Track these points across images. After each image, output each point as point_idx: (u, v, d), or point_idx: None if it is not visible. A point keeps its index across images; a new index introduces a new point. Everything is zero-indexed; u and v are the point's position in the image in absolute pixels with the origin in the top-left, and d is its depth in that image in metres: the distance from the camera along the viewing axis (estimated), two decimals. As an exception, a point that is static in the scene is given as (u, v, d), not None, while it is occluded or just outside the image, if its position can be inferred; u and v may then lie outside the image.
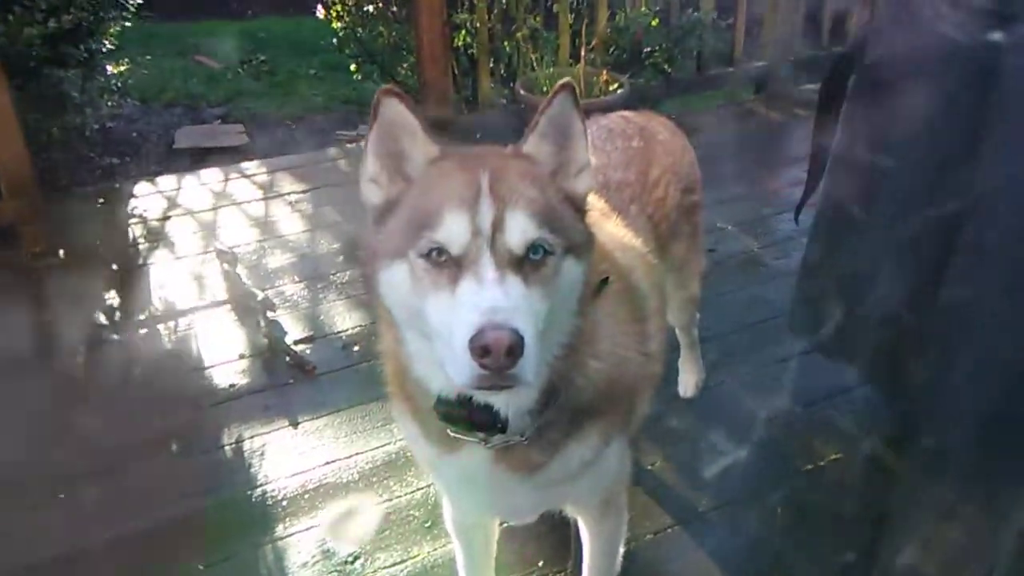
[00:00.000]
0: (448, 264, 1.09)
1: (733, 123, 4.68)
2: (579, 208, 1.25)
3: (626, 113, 2.10)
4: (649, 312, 1.57)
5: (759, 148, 4.45)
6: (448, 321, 1.07)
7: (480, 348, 1.00)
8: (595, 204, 1.58)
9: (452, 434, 1.26)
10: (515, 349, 1.00)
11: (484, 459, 1.30)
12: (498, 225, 1.09)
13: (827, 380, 2.56)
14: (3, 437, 2.42)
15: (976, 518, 1.43)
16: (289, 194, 3.89)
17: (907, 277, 1.86)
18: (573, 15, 4.36)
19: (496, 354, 1.00)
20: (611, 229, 1.62)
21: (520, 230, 1.09)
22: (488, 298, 1.04)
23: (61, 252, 3.32)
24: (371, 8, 4.38)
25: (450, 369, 1.07)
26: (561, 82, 1.18)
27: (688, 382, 2.55)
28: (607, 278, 1.33)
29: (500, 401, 1.22)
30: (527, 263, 1.10)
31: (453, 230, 1.09)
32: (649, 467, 2.29)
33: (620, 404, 1.43)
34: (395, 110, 1.17)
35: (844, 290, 2.13)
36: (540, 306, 1.10)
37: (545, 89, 3.96)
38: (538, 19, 4.13)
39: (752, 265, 3.33)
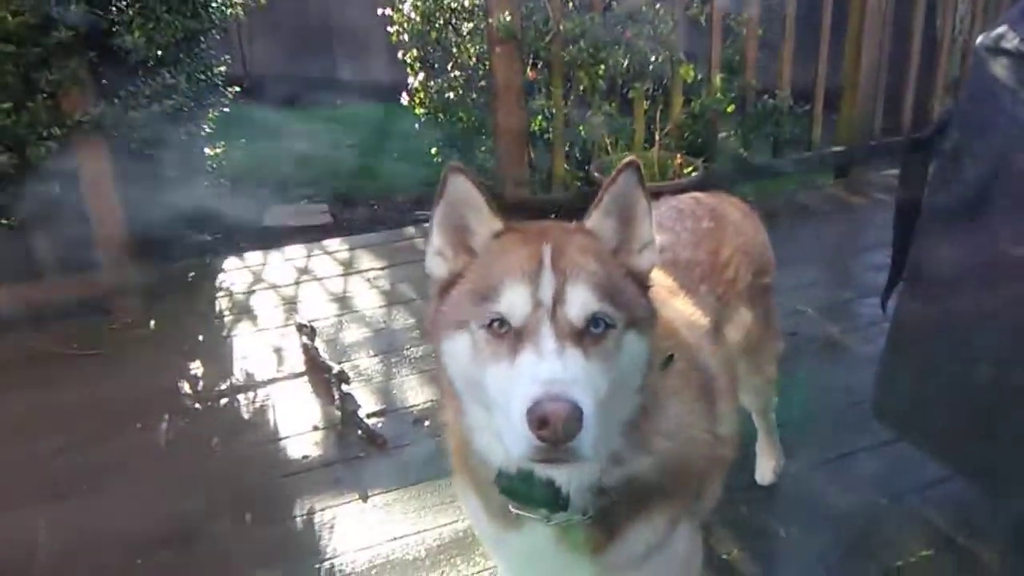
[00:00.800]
0: (509, 336, 1.11)
1: (812, 208, 4.63)
2: (642, 284, 1.26)
3: (697, 194, 2.10)
4: (718, 392, 1.53)
5: (839, 233, 4.39)
6: (507, 391, 1.08)
7: (538, 420, 1.00)
8: (662, 281, 1.57)
9: (513, 510, 1.25)
10: (574, 421, 1.00)
11: (546, 537, 1.29)
12: (559, 297, 1.11)
13: (914, 472, 2.43)
14: (86, 502, 2.49)
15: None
16: (368, 271, 4.01)
17: (996, 363, 1.78)
18: (649, 101, 4.44)
19: (554, 426, 1.00)
20: (678, 306, 1.61)
21: (580, 302, 1.11)
22: (547, 369, 1.05)
23: (151, 323, 3.48)
24: (451, 95, 4.55)
25: (508, 440, 1.07)
26: (626, 160, 1.21)
27: (766, 468, 2.46)
28: (672, 355, 1.33)
29: (561, 476, 1.21)
30: (587, 336, 1.11)
31: (514, 301, 1.11)
32: (724, 556, 2.20)
33: (687, 486, 1.39)
34: (461, 186, 1.21)
35: (931, 376, 2.05)
36: (601, 380, 1.10)
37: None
38: (614, 105, 4.21)
39: (833, 350, 3.24)
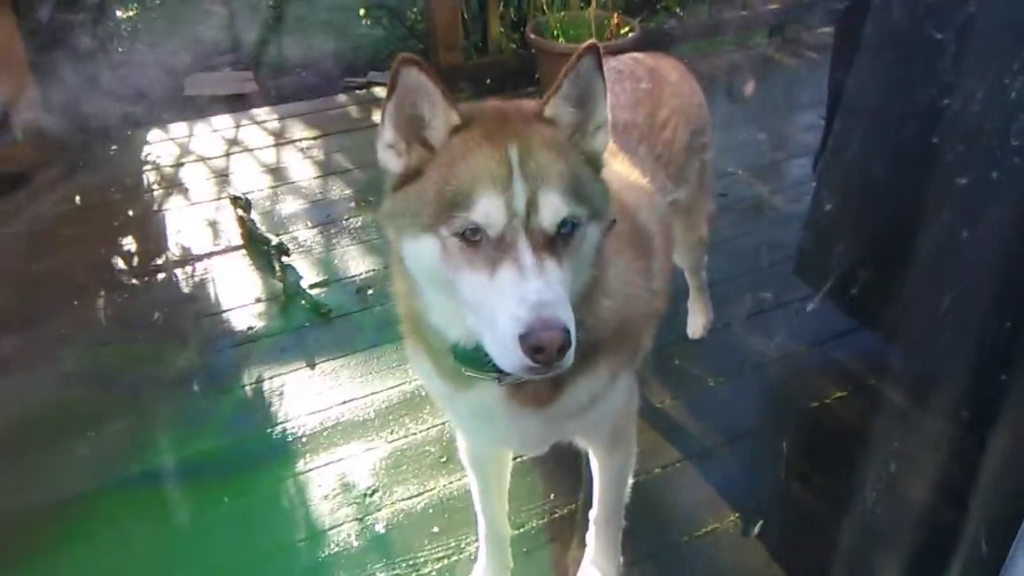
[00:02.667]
0: (483, 244, 1.11)
1: (746, 67, 4.63)
2: (596, 167, 1.27)
3: (636, 55, 2.10)
4: (655, 250, 1.60)
5: (771, 93, 4.42)
6: (487, 302, 1.11)
7: (533, 347, 1.05)
8: None
9: (466, 373, 1.30)
10: (567, 346, 1.06)
11: (497, 395, 1.35)
12: (532, 206, 1.11)
13: (831, 323, 2.59)
14: (32, 377, 2.49)
15: (960, 443, 1.49)
16: (300, 141, 3.90)
17: (906, 222, 1.88)
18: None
19: (549, 352, 1.05)
20: (618, 168, 1.64)
21: (553, 209, 1.12)
22: (533, 289, 1.07)
23: (77, 198, 3.36)
24: (380, -49, 4.32)
25: (495, 352, 1.11)
26: (586, 44, 1.19)
27: (697, 324, 2.60)
28: (614, 220, 1.35)
29: None
30: (559, 240, 1.13)
31: (490, 212, 1.11)
32: (658, 405, 2.35)
33: (627, 340, 1.47)
34: (415, 78, 1.16)
35: (847, 236, 2.15)
36: (571, 277, 1.16)
37: (556, 33, 3.93)
38: (549, -39, 4.07)
39: (762, 210, 3.35)
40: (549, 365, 1.07)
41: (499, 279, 1.09)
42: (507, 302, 1.08)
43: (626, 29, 3.99)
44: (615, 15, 4.01)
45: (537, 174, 1.13)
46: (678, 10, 4.45)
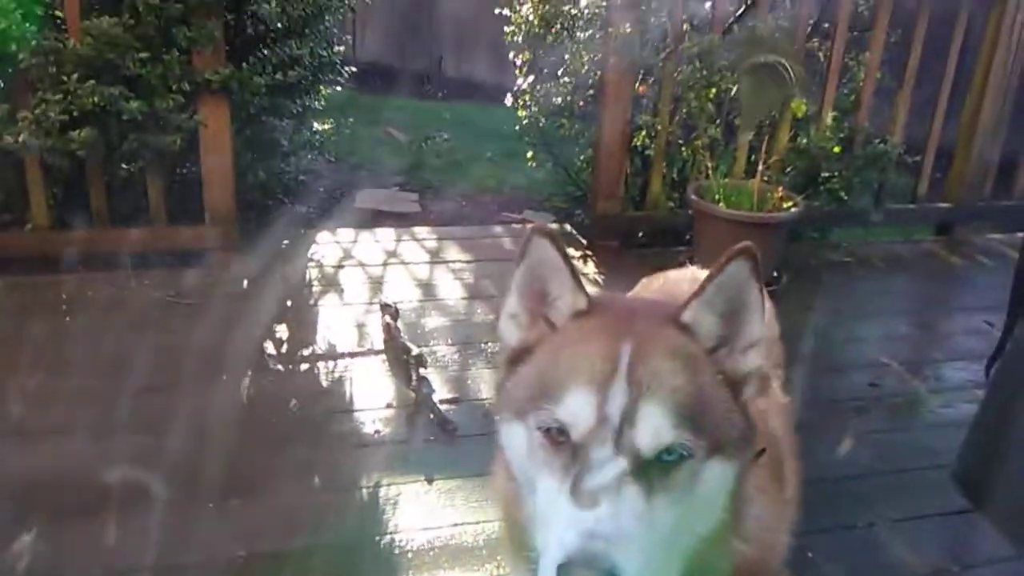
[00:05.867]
0: (566, 448, 0.97)
1: (908, 261, 4.51)
2: (739, 392, 1.07)
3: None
4: (783, 455, 1.38)
5: (934, 291, 4.26)
6: (550, 515, 0.97)
7: None
8: None
9: None
10: None
11: None
12: (629, 417, 0.95)
13: (986, 544, 2.35)
14: (165, 443, 2.59)
15: None
16: (453, 262, 4.07)
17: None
18: (754, 131, 4.39)
19: None
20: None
21: (653, 430, 0.95)
22: (591, 516, 0.90)
23: (245, 282, 3.60)
24: (559, 100, 4.58)
25: (541, 571, 0.95)
26: (739, 246, 1.01)
27: None
28: (764, 450, 1.16)
29: None
30: (657, 466, 0.96)
31: (576, 412, 0.97)
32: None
33: None
34: (546, 252, 1.07)
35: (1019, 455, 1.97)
36: (667, 517, 0.96)
37: (717, 198, 3.98)
38: (719, 130, 4.18)
39: (915, 408, 3.14)
40: None
41: (564, 491, 0.94)
42: (560, 522, 0.92)
43: (788, 204, 3.99)
44: (779, 188, 4.03)
45: (645, 382, 0.96)
46: (843, 194, 4.42)
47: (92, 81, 3.13)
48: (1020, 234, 4.42)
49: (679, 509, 0.97)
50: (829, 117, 4.37)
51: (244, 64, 3.43)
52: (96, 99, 3.12)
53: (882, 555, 2.36)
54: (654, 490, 0.94)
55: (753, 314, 1.05)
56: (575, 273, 1.08)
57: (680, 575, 1.06)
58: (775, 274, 4.05)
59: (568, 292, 1.08)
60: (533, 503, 1.06)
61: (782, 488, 1.31)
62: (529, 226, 1.14)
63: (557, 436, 0.98)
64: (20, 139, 3.12)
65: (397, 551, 2.23)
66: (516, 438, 1.04)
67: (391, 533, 2.29)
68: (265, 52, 3.52)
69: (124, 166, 3.35)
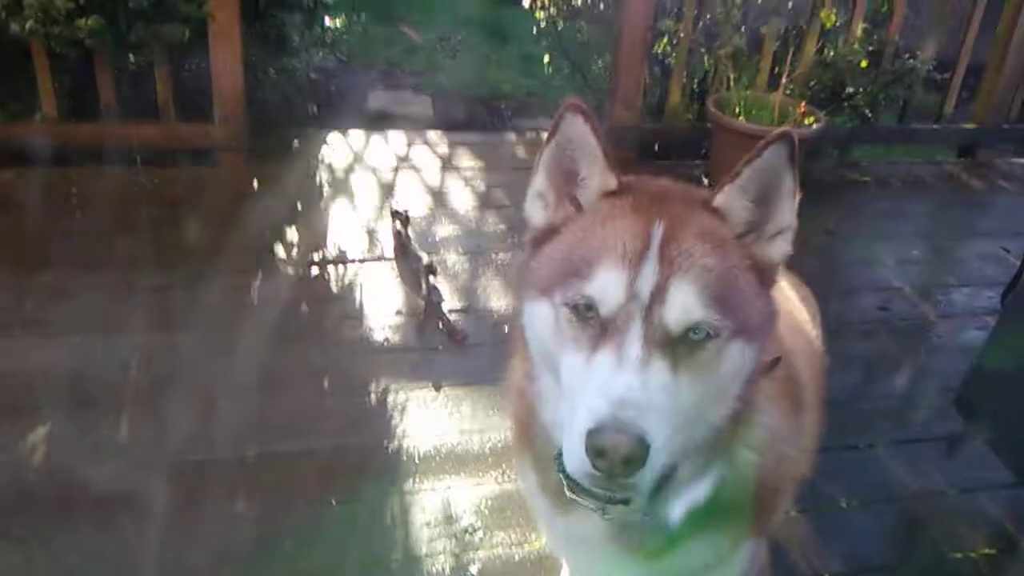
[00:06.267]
0: (594, 323, 0.98)
1: (929, 183, 4.43)
2: (766, 279, 1.08)
3: None
4: (808, 403, 1.37)
5: (953, 215, 4.19)
6: (578, 389, 0.97)
7: (595, 448, 0.90)
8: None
9: (569, 494, 1.08)
10: (635, 459, 0.90)
11: (599, 530, 1.17)
12: (659, 294, 0.96)
13: (987, 470, 2.39)
14: (180, 338, 2.62)
15: None
16: (465, 169, 4.00)
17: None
18: (779, 41, 4.23)
19: (611, 459, 0.90)
20: (784, 300, 1.42)
21: (682, 307, 0.96)
22: (622, 384, 0.92)
23: (255, 182, 3.56)
24: (579, 2, 4.41)
25: (565, 451, 0.98)
26: (779, 130, 1.03)
27: None
28: (779, 358, 1.17)
29: None
30: (683, 344, 0.97)
31: (607, 288, 0.97)
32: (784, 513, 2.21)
33: (765, 506, 1.25)
34: (579, 128, 1.06)
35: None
36: (688, 394, 0.97)
37: (738, 111, 3.88)
38: (743, 39, 4.03)
39: (923, 333, 3.14)
40: (612, 478, 0.91)
41: (594, 363, 0.95)
42: (591, 390, 0.94)
43: (811, 119, 3.88)
44: (802, 103, 3.92)
45: (677, 261, 0.97)
46: (867, 111, 4.29)
47: (97, -32, 3.01)
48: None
49: (701, 387, 0.98)
50: (859, 28, 4.20)
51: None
52: (102, -14, 3.01)
53: (881, 475, 2.40)
54: (680, 366, 0.96)
55: (785, 200, 1.06)
56: (608, 152, 1.07)
57: (696, 468, 1.09)
58: (792, 192, 3.98)
59: (599, 172, 1.08)
60: (551, 386, 1.07)
61: (798, 408, 1.31)
62: (566, 100, 1.06)
63: (585, 312, 0.98)
64: (27, 26, 3.03)
65: (404, 456, 2.28)
66: (540, 316, 1.04)
67: (399, 438, 2.34)
68: (276, -59, 3.37)
69: (132, 59, 3.24)
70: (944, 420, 2.53)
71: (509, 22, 6.50)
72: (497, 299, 3.01)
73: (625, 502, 1.06)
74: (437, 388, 2.54)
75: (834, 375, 2.77)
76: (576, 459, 0.93)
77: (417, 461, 2.27)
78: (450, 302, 2.94)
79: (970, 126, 4.64)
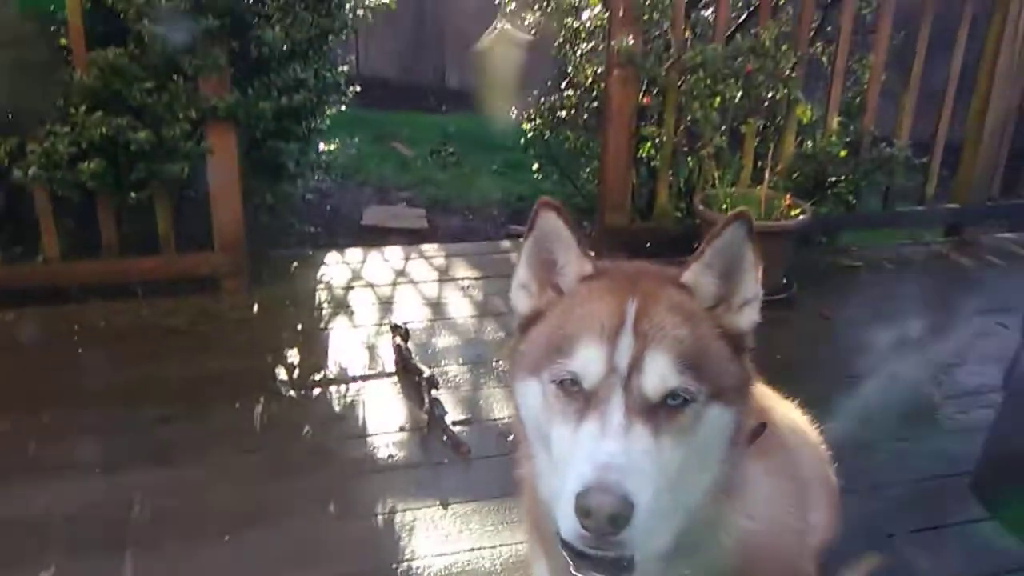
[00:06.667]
0: (579, 397, 1.06)
1: (920, 264, 4.48)
2: (738, 347, 1.17)
3: None
4: (811, 498, 1.43)
5: (947, 294, 4.23)
6: (567, 458, 1.04)
7: (582, 509, 0.97)
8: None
9: (573, 572, 1.11)
10: (619, 518, 0.96)
11: None
12: (636, 365, 1.05)
13: (1006, 553, 2.33)
14: (181, 472, 2.60)
15: None
16: (462, 279, 4.06)
17: None
18: (759, 138, 4.38)
19: (596, 518, 0.96)
20: (784, 406, 1.52)
21: (659, 375, 1.05)
22: (605, 451, 0.99)
23: (255, 307, 3.61)
24: (563, 114, 4.59)
25: (558, 514, 1.03)
26: (735, 211, 1.14)
27: None
28: (764, 425, 1.25)
29: None
30: (662, 410, 1.05)
31: (588, 362, 1.06)
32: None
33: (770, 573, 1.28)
34: (552, 222, 1.18)
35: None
36: (671, 457, 1.04)
37: (724, 207, 3.97)
38: (724, 139, 4.17)
39: (931, 415, 3.12)
40: (601, 537, 0.97)
41: (580, 433, 1.03)
42: (578, 459, 1.01)
43: (796, 211, 3.97)
44: (786, 196, 4.02)
45: (650, 334, 1.07)
46: (851, 198, 4.40)
47: (99, 112, 3.14)
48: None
49: (684, 450, 1.06)
50: (835, 121, 4.35)
51: (249, 89, 3.44)
52: (104, 130, 3.13)
53: (902, 566, 2.33)
54: (661, 430, 1.03)
55: (748, 273, 1.16)
56: (581, 241, 1.19)
57: (684, 527, 1.14)
58: (784, 281, 4.03)
59: (575, 259, 1.19)
60: (543, 457, 1.14)
61: (793, 481, 1.36)
62: (539, 200, 1.19)
63: (570, 387, 1.07)
64: (30, 172, 3.13)
65: (414, 579, 2.22)
66: (531, 394, 1.13)
67: (408, 560, 2.28)
68: (270, 76, 3.52)
69: (133, 195, 3.34)
70: (961, 505, 2.48)
71: (496, 134, 6.73)
72: (500, 408, 2.99)
73: (629, 570, 1.09)
74: (445, 505, 2.50)
75: (847, 463, 2.75)
76: (568, 521, 1.00)
77: (428, 584, 2.21)
78: (453, 414, 2.93)
79: (954, 205, 4.74)
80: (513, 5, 4.62)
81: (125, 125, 3.16)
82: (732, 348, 1.15)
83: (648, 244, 4.45)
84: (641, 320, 1.07)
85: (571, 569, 1.12)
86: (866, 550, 2.35)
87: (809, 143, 4.32)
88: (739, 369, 1.15)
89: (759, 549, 1.22)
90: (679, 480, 1.06)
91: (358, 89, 4.47)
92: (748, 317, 1.18)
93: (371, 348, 3.37)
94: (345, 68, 4.42)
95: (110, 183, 3.29)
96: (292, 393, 3.04)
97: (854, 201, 4.42)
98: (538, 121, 4.79)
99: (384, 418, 2.92)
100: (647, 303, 1.10)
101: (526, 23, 4.60)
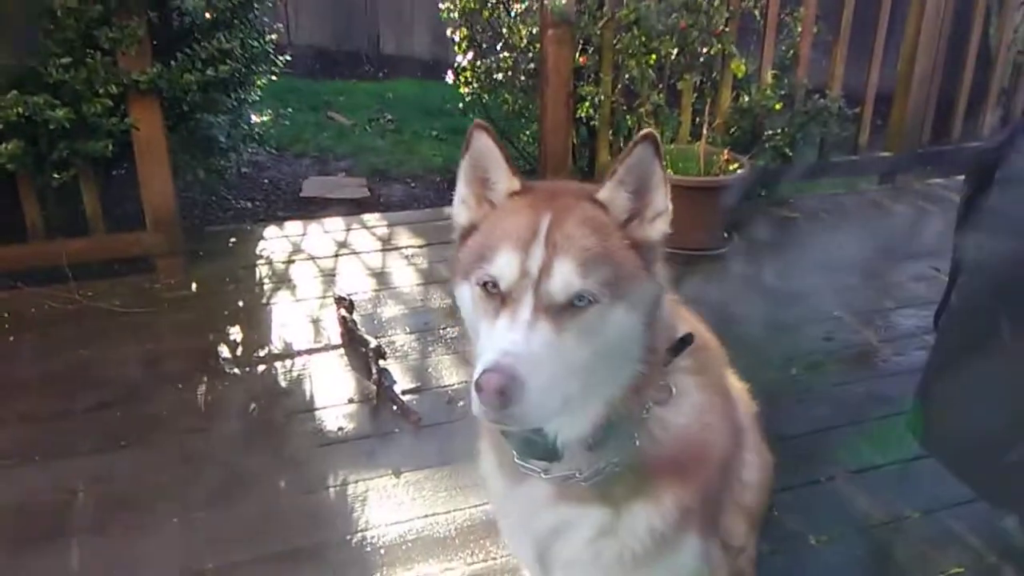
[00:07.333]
0: (497, 298, 1.19)
1: (854, 212, 4.59)
2: (649, 256, 1.27)
3: None
4: (746, 442, 1.51)
5: (881, 239, 4.33)
6: (485, 349, 1.17)
7: (477, 384, 1.10)
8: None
9: (516, 461, 1.32)
10: (507, 392, 1.08)
11: (545, 494, 1.34)
12: (545, 270, 1.16)
13: (945, 488, 2.41)
14: (125, 457, 2.55)
15: None
16: (406, 248, 4.03)
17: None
18: (696, 94, 4.41)
19: (486, 393, 1.09)
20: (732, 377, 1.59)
21: (563, 279, 1.16)
22: (509, 339, 1.12)
23: (193, 285, 3.53)
24: (499, 76, 4.54)
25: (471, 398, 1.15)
26: (642, 132, 1.23)
27: None
28: (690, 335, 1.36)
29: (550, 428, 1.27)
30: (568, 310, 1.16)
31: (504, 267, 1.18)
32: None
33: (698, 473, 1.36)
34: (484, 143, 1.29)
35: (972, 403, 2.02)
36: (576, 353, 1.15)
37: (664, 163, 3.99)
38: (661, 96, 4.18)
39: (869, 359, 3.21)
40: (496, 411, 1.09)
41: (495, 328, 1.16)
42: (487, 347, 1.14)
43: (735, 165, 4.02)
44: (725, 151, 4.06)
45: (560, 243, 1.18)
46: (787, 150, 4.46)
47: (15, 92, 3.00)
48: (960, 178, 4.52)
49: (588, 345, 1.17)
50: (769, 75, 4.40)
51: (172, 62, 3.31)
52: (20, 109, 2.99)
53: (844, 507, 2.42)
54: (564, 327, 1.15)
55: (657, 189, 1.26)
56: (509, 160, 1.30)
57: (605, 417, 1.26)
58: (725, 235, 4.09)
59: (504, 176, 1.30)
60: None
61: (733, 419, 1.46)
62: (474, 122, 1.30)
63: (492, 289, 1.19)
64: (-56, 156, 2.99)
65: (369, 548, 2.22)
66: (464, 296, 1.26)
67: (362, 530, 2.28)
68: (193, 47, 3.39)
69: (56, 175, 3.22)
70: (899, 444, 2.56)
71: (434, 99, 6.65)
72: (450, 375, 2.99)
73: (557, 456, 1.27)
74: (397, 474, 2.50)
75: (788, 410, 2.82)
76: (473, 398, 1.11)
77: (383, 552, 2.21)
78: (402, 383, 2.92)
79: (886, 154, 4.86)
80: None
81: (42, 103, 3.02)
82: (642, 258, 1.25)
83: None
84: (554, 231, 1.18)
85: (515, 459, 1.32)
86: (808, 493, 2.45)
87: (745, 97, 4.37)
88: (647, 277, 1.25)
89: (689, 444, 1.34)
90: (590, 372, 1.18)
91: (289, 58, 4.35)
92: (658, 228, 1.27)
93: (316, 321, 3.33)
94: (274, 37, 4.29)
95: (30, 164, 3.16)
96: (236, 371, 2.99)
97: (790, 153, 4.47)
98: (475, 85, 4.73)
99: (332, 391, 2.89)
100: (561, 216, 1.20)
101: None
